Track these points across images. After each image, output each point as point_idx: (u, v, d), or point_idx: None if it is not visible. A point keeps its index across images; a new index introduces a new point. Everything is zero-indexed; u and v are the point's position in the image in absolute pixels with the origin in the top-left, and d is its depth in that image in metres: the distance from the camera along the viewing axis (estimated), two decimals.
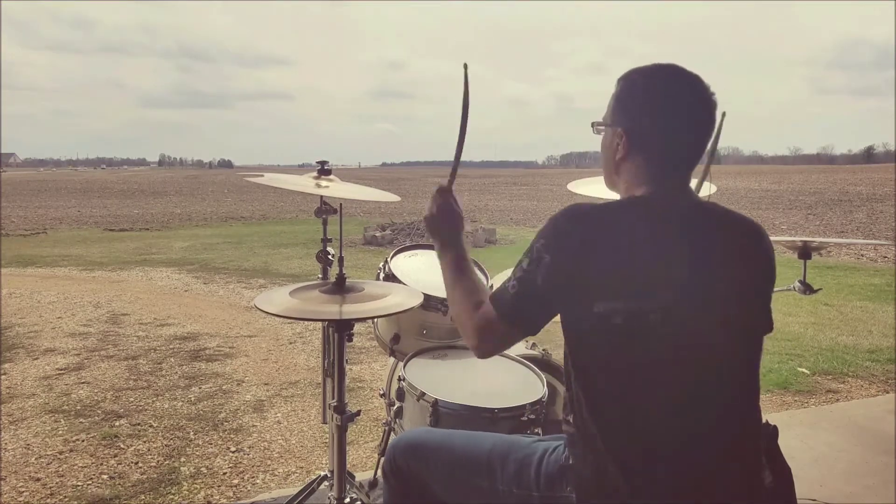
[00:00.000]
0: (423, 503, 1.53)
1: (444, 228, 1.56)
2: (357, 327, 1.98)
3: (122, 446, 3.33)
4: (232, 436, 3.49)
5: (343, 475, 2.03)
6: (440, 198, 1.57)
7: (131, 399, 4.04)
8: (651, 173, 1.30)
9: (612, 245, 1.20)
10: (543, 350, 2.48)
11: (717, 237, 1.27)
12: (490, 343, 1.36)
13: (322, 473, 2.45)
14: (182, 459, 3.19)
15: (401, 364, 2.11)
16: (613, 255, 1.19)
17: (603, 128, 1.39)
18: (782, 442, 1.38)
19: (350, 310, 1.87)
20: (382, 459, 1.71)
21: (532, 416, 1.85)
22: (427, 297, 2.09)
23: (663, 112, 1.29)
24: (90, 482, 2.95)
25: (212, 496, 2.84)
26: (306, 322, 5.59)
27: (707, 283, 1.21)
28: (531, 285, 1.25)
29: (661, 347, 1.18)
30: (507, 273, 2.72)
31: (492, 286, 2.37)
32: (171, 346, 5.35)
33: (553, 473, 1.31)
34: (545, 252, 1.24)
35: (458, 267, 1.50)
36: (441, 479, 1.49)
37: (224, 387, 4.31)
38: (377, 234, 13.68)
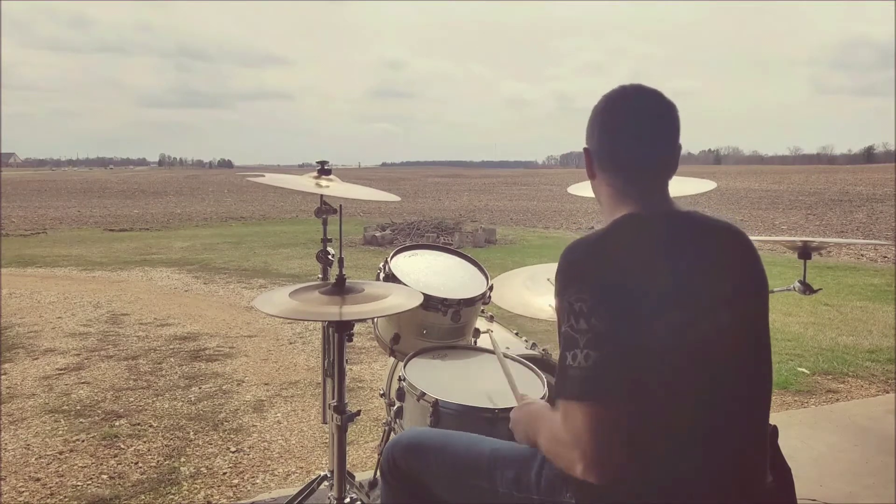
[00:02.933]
0: (421, 503, 1.53)
1: (530, 429, 1.41)
2: (357, 327, 1.98)
3: (122, 446, 3.33)
4: (232, 436, 3.49)
5: (343, 475, 2.03)
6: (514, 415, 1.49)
7: (131, 399, 4.04)
8: (625, 191, 1.32)
9: (632, 265, 1.19)
10: (543, 350, 2.48)
11: (710, 246, 1.28)
12: (598, 443, 1.11)
13: (322, 473, 2.45)
14: (182, 459, 3.19)
15: (401, 364, 2.11)
16: (638, 274, 1.17)
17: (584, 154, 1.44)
18: (782, 442, 1.38)
19: (350, 310, 1.87)
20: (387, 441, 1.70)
21: None
22: (427, 297, 2.09)
23: (619, 129, 1.33)
24: (90, 482, 2.95)
25: (212, 496, 2.84)
26: (306, 322, 5.60)
27: (714, 291, 1.22)
28: (603, 340, 1.12)
29: (676, 360, 1.17)
30: (510, 273, 2.72)
31: (491, 286, 2.37)
32: (171, 346, 5.35)
33: (554, 479, 1.31)
34: (590, 296, 1.15)
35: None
36: (441, 479, 1.49)
37: (224, 387, 4.31)
38: (377, 234, 13.69)
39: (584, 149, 1.39)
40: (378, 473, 2.41)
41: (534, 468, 1.35)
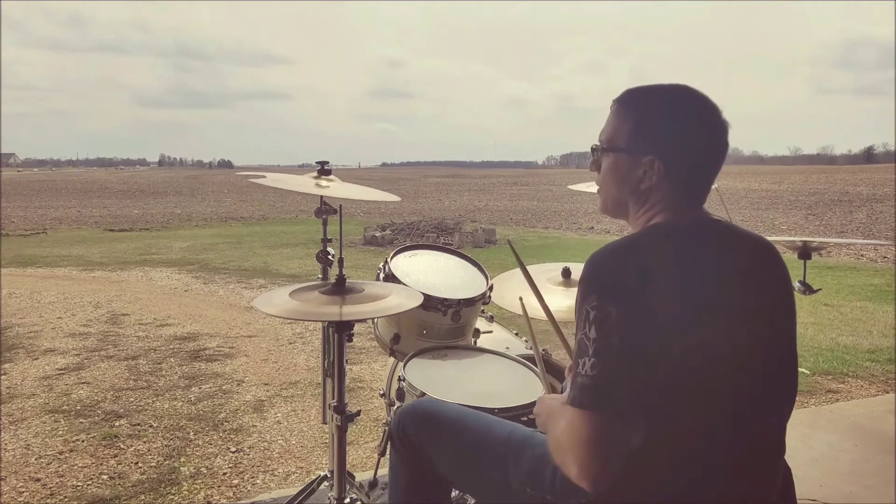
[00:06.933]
0: (427, 475, 1.51)
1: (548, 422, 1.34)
2: (357, 327, 1.99)
3: (122, 446, 3.33)
4: (232, 436, 3.49)
5: (343, 475, 2.03)
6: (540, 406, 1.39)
7: (131, 399, 4.04)
8: (675, 199, 1.27)
9: (662, 276, 1.14)
10: (544, 350, 2.48)
11: (741, 258, 1.25)
12: (593, 453, 1.10)
13: (322, 473, 2.45)
14: (182, 459, 3.19)
15: (401, 364, 2.11)
16: (668, 286, 1.14)
17: (610, 152, 1.32)
18: None
19: (350, 310, 1.87)
20: (387, 443, 1.67)
21: (532, 417, 1.85)
22: (427, 298, 2.10)
23: (695, 138, 1.26)
24: (90, 482, 2.95)
25: (212, 496, 2.84)
26: (306, 322, 5.60)
27: (740, 307, 1.19)
28: (611, 352, 1.10)
29: (710, 371, 1.15)
30: (510, 273, 2.72)
31: (491, 286, 2.37)
32: (171, 346, 5.35)
33: (570, 480, 1.29)
34: (608, 306, 1.11)
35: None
36: (452, 462, 1.46)
37: (224, 387, 4.31)
38: (377, 235, 13.69)
39: (629, 151, 1.28)
40: (378, 473, 2.41)
41: (550, 466, 1.31)
